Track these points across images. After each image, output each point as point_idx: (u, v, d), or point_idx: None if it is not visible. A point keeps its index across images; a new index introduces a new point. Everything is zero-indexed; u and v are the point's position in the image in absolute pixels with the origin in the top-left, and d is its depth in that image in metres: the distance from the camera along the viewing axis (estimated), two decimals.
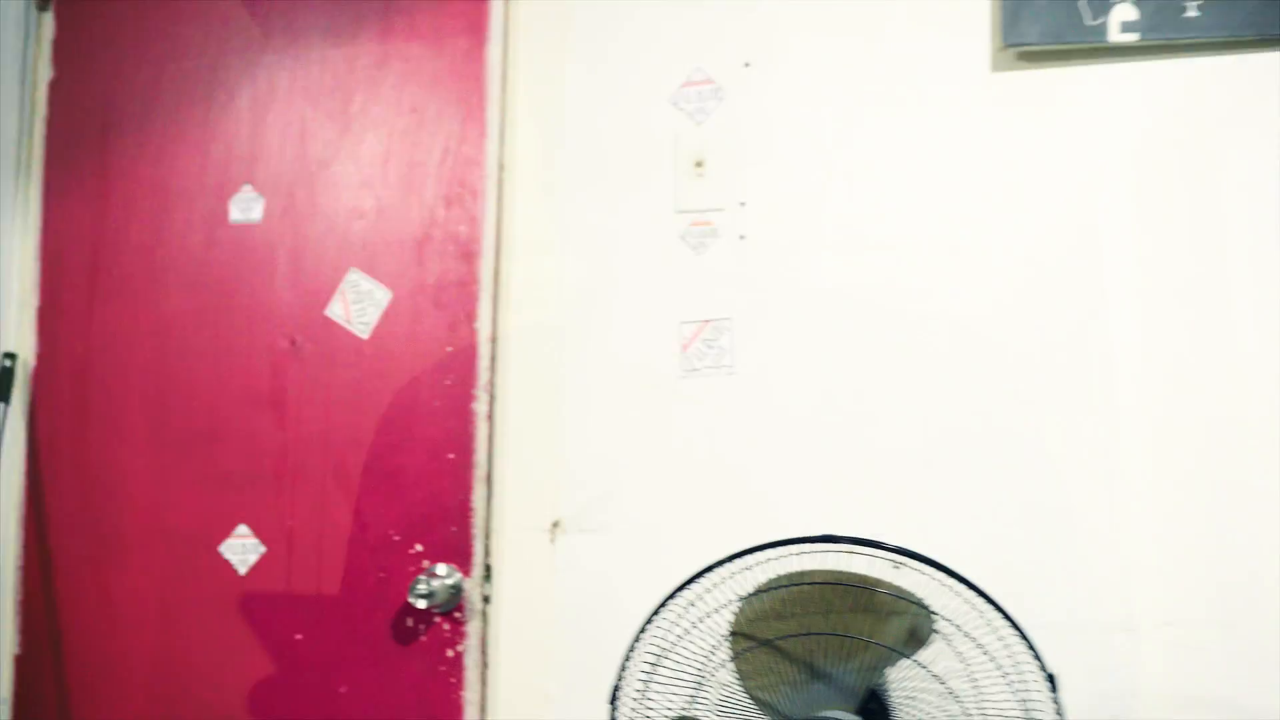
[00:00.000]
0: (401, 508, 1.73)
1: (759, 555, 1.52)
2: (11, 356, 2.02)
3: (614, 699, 1.56)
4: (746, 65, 1.84)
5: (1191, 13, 1.66)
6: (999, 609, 1.44)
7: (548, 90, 1.91)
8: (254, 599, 1.81)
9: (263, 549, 1.83)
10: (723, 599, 1.55)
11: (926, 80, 1.78)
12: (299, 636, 1.77)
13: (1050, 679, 1.43)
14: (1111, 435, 1.71)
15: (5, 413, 2.00)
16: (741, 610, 1.54)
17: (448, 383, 1.73)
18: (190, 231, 1.95)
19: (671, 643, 1.55)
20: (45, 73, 2.10)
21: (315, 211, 1.86)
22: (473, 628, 1.71)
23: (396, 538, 1.71)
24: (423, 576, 1.70)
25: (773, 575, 1.53)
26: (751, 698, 1.54)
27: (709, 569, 1.53)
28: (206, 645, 1.85)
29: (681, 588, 1.55)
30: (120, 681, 1.91)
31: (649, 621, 1.56)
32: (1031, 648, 1.43)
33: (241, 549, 1.83)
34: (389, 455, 1.74)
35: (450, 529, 1.67)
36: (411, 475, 1.71)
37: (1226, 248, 1.69)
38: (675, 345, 1.85)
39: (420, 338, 1.78)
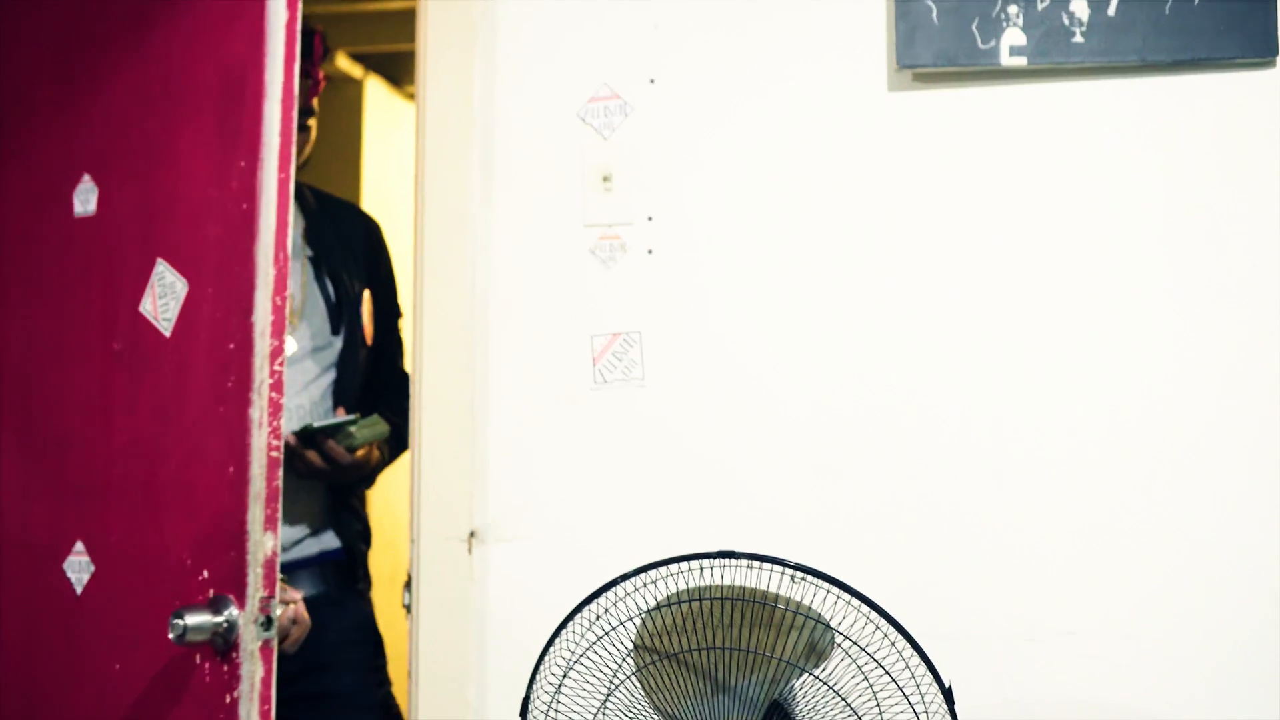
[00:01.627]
0: (195, 527, 1.55)
1: (661, 570, 1.56)
2: None
3: (524, 710, 1.60)
4: (651, 82, 1.87)
5: (1078, 38, 1.71)
6: (894, 623, 1.49)
7: (456, 101, 1.93)
8: (85, 621, 1.71)
9: (92, 568, 1.72)
10: (627, 613, 1.59)
11: (825, 99, 1.82)
12: (118, 666, 1.65)
13: (947, 692, 1.49)
14: (1013, 443, 1.77)
15: None
16: (644, 624, 1.58)
17: (229, 385, 1.51)
18: (40, 225, 1.87)
19: (578, 655, 1.59)
20: None
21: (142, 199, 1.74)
22: (247, 670, 1.45)
23: (189, 562, 1.54)
24: (184, 609, 1.47)
25: (676, 590, 1.58)
26: (658, 710, 1.58)
27: (613, 583, 1.57)
28: (56, 671, 1.77)
29: (586, 601, 1.58)
30: None
31: (556, 634, 1.59)
32: (926, 660, 1.48)
33: (79, 567, 1.73)
34: (186, 467, 1.57)
35: (229, 554, 1.48)
36: (202, 491, 1.53)
37: (1115, 269, 1.75)
38: (587, 358, 1.88)
39: (214, 333, 1.57)
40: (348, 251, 2.33)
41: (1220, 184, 1.71)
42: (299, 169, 2.17)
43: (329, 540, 2.30)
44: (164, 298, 1.63)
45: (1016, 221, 1.76)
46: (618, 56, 1.88)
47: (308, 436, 2.12)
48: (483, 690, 1.88)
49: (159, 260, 1.64)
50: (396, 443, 2.32)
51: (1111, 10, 1.70)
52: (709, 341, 1.84)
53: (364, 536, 2.39)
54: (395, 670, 2.36)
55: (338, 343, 2.26)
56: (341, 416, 2.18)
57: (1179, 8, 1.69)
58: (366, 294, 2.34)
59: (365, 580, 2.38)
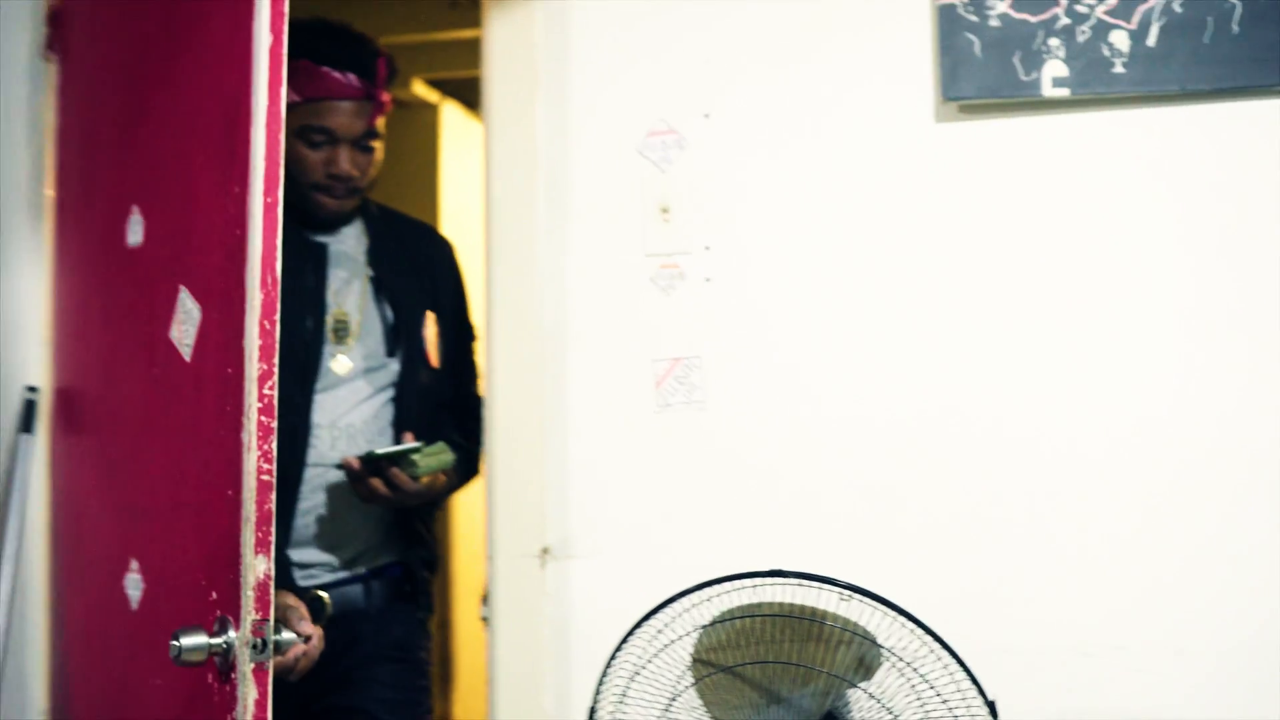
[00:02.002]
0: (206, 548, 1.57)
1: (716, 588, 1.64)
2: (34, 390, 2.16)
3: (591, 718, 1.69)
4: (706, 116, 1.95)
5: (1119, 69, 1.75)
6: (939, 639, 1.55)
7: (521, 136, 2.02)
8: (139, 636, 1.77)
9: (143, 586, 1.76)
10: (685, 628, 1.67)
11: (874, 131, 1.88)
12: (159, 682, 1.70)
13: (990, 705, 1.55)
14: (1064, 461, 1.82)
15: (30, 443, 2.14)
16: (700, 639, 1.67)
17: (228, 408, 1.51)
18: (105, 255, 1.97)
19: (640, 667, 1.68)
20: (51, 119, 2.23)
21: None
22: (242, 692, 1.42)
23: (203, 582, 1.56)
24: (182, 630, 1.46)
25: (730, 606, 1.66)
26: None
27: (671, 600, 1.66)
28: (120, 683, 1.86)
29: (647, 617, 1.67)
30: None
31: (620, 648, 1.68)
32: (971, 676, 1.54)
33: (134, 584, 1.78)
34: (200, 489, 1.59)
35: (230, 575, 1.46)
36: (211, 513, 1.55)
37: (1155, 295, 1.79)
38: (650, 382, 1.96)
39: (219, 358, 1.59)
40: (413, 272, 2.28)
41: (1263, 208, 1.75)
42: (365, 190, 2.19)
43: (385, 559, 2.24)
44: (185, 324, 1.67)
45: (1063, 247, 1.81)
46: (673, 92, 1.96)
47: (371, 463, 2.04)
48: (558, 698, 1.97)
49: (180, 287, 1.69)
50: (466, 468, 2.30)
51: (1151, 41, 1.75)
52: (766, 365, 1.91)
53: (428, 561, 2.32)
54: (475, 681, 2.43)
55: (394, 364, 2.21)
56: (407, 443, 2.10)
57: (1218, 37, 1.73)
58: (431, 316, 2.27)
59: (425, 604, 2.33)
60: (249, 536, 1.45)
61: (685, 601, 1.65)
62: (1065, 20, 1.77)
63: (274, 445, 1.47)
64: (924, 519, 1.84)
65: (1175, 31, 1.74)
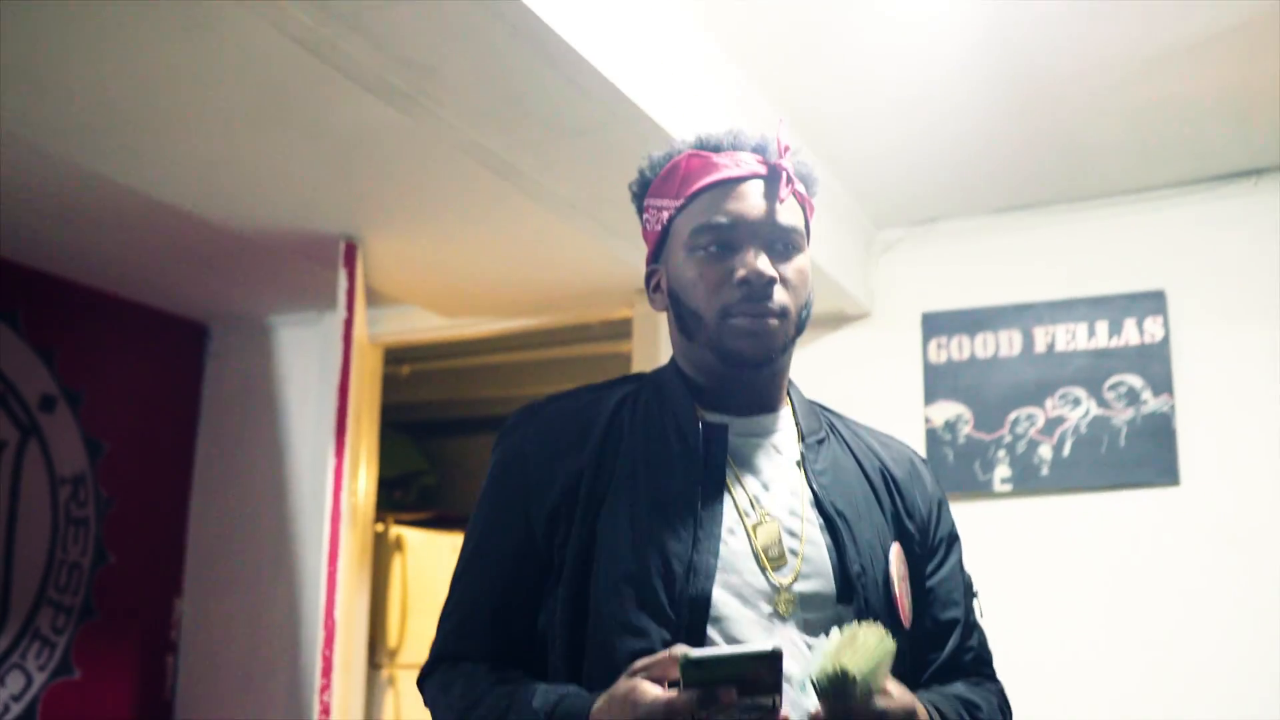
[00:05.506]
0: None
1: None
2: None
3: None
4: None
5: (1045, 471, 2.58)
6: None
7: None
8: None
9: None
10: None
11: None
12: None
13: None
14: None
15: None
16: None
17: None
18: None
19: None
20: None
21: None
22: None
23: None
24: None
25: None
26: None
27: None
28: None
29: None
30: None
31: None
32: None
33: None
34: None
35: None
36: None
37: (1076, 621, 2.53)
38: None
39: None
40: None
41: (1141, 565, 2.50)
42: None
43: None
44: None
45: (1003, 591, 2.58)
46: None
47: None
48: None
49: None
50: None
51: (1066, 452, 2.58)
52: None
53: None
54: None
55: None
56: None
57: (1111, 449, 2.55)
58: None
59: None
60: None
61: None
62: (1009, 438, 2.62)
63: None
64: None
65: (1083, 445, 2.57)
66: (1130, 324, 2.61)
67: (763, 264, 1.14)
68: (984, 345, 2.70)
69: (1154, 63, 2.17)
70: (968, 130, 2.41)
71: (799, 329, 1.19)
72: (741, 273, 1.14)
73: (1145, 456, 2.52)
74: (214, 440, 3.43)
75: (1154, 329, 2.59)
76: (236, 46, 1.88)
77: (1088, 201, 2.72)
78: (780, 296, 1.15)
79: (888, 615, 1.16)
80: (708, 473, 1.14)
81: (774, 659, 0.97)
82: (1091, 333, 2.63)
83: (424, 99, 1.79)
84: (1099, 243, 2.71)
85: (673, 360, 1.23)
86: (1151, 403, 2.54)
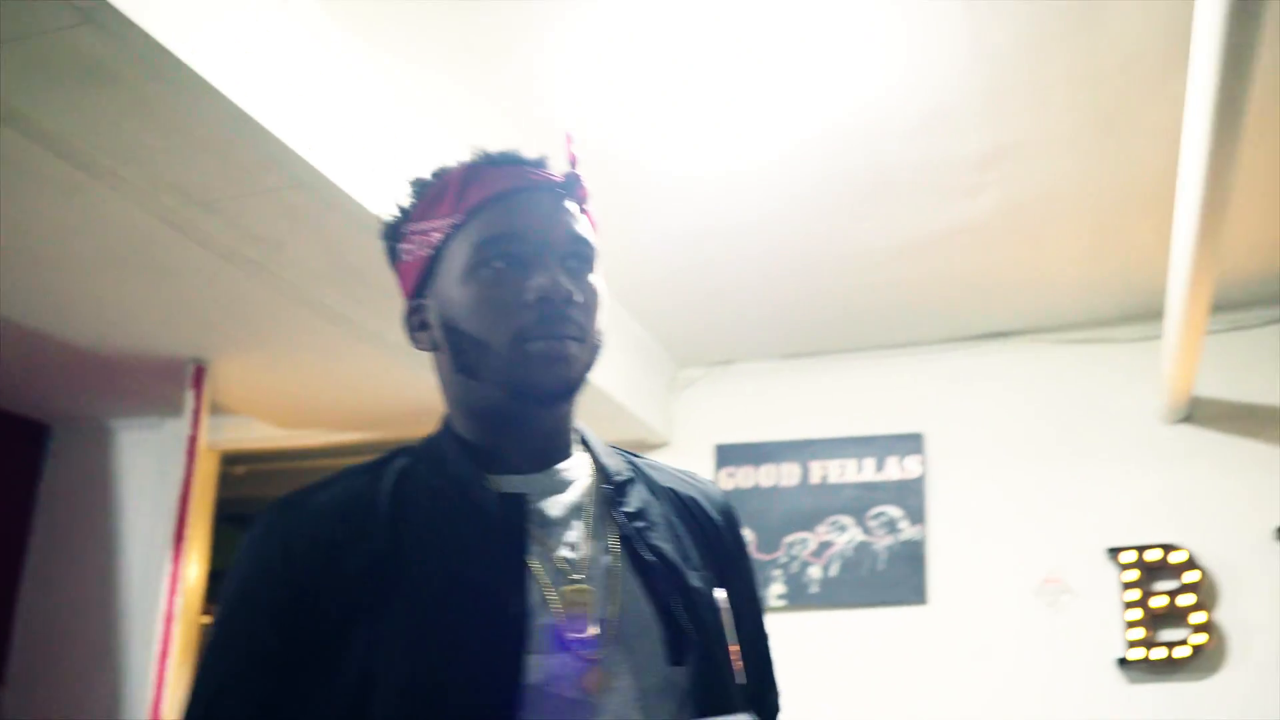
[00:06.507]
0: None
1: None
2: None
3: None
4: None
5: (814, 589, 2.93)
6: None
7: None
8: None
9: None
10: None
11: None
12: None
13: None
14: None
15: None
16: None
17: None
18: None
19: None
20: None
21: None
22: None
23: None
24: None
25: None
26: None
27: None
28: None
29: None
30: None
31: None
32: None
33: None
34: None
35: None
36: None
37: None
38: None
39: None
40: None
41: (891, 684, 2.85)
42: None
43: None
44: None
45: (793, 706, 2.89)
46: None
47: None
48: None
49: None
50: None
51: (833, 573, 2.94)
52: None
53: None
54: None
55: None
56: None
57: (871, 571, 2.92)
58: None
59: None
60: None
61: None
62: (784, 559, 2.97)
63: None
64: None
65: (847, 568, 2.94)
66: (893, 461, 2.99)
67: (562, 280, 1.00)
68: (767, 475, 3.05)
69: (909, 249, 2.58)
70: (760, 286, 2.78)
71: (594, 357, 1.04)
72: (536, 291, 1.00)
73: (900, 578, 2.89)
74: (48, 535, 3.54)
75: (913, 466, 2.97)
76: (103, 214, 2.11)
77: (860, 353, 3.12)
78: (579, 317, 1.02)
79: (725, 674, 1.02)
80: (507, 553, 0.98)
81: None
82: (860, 467, 3.01)
83: (272, 265, 2.06)
84: (869, 389, 3.10)
85: (444, 425, 1.07)
86: (907, 531, 2.92)
